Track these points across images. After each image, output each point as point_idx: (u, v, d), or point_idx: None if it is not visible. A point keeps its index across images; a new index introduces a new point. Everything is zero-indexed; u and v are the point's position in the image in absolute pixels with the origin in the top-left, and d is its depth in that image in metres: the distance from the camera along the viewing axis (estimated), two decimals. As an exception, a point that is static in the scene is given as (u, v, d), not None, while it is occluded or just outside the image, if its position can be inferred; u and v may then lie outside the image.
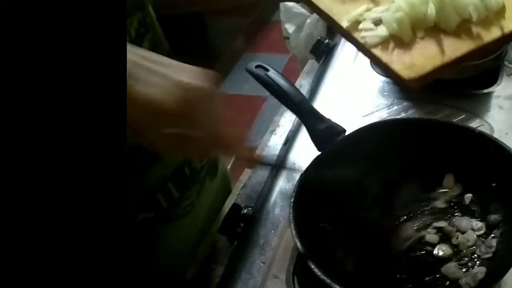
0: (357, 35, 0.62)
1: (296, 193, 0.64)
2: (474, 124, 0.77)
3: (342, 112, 0.82)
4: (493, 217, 0.64)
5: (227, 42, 2.63)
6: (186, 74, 0.47)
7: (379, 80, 0.89)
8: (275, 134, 0.86)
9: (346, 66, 0.95)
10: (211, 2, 0.86)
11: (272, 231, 0.70)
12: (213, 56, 2.57)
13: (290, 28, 1.56)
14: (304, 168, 0.67)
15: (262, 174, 0.79)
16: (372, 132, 0.70)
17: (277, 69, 0.71)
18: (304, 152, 0.74)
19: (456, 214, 0.67)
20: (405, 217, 0.67)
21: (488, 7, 0.61)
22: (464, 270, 0.61)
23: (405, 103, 0.84)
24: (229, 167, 0.90)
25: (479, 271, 0.59)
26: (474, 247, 0.62)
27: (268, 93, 0.71)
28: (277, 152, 0.82)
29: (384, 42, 0.61)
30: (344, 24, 0.64)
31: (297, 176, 0.67)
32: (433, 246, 0.64)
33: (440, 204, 0.68)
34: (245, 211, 0.72)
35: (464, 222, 0.65)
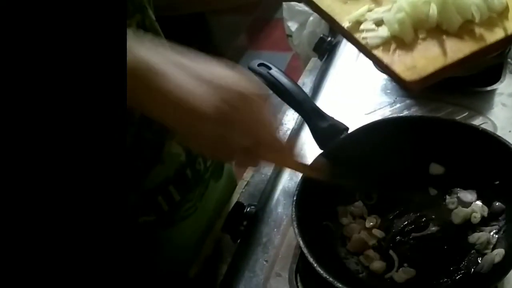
0: (358, 36, 0.62)
1: (298, 191, 0.64)
2: (477, 121, 0.77)
3: (344, 109, 0.82)
4: (497, 204, 0.64)
5: (230, 40, 2.63)
6: (228, 78, 0.46)
7: (382, 78, 0.89)
8: (278, 132, 0.86)
9: (348, 64, 0.95)
10: (213, 2, 0.86)
11: (275, 229, 0.70)
12: (215, 54, 2.56)
13: (292, 26, 1.56)
14: (306, 167, 0.67)
15: (265, 172, 0.79)
16: (375, 130, 0.70)
17: (279, 67, 0.71)
18: (307, 150, 0.74)
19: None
20: (407, 214, 0.67)
21: (491, 7, 0.60)
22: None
23: (407, 101, 0.84)
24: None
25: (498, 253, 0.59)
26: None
27: (271, 91, 0.71)
28: (280, 151, 0.82)
29: (385, 43, 0.60)
30: (345, 24, 0.63)
31: (300, 175, 0.67)
32: (435, 239, 0.64)
33: (441, 201, 0.68)
34: (248, 209, 0.72)
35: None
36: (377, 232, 0.65)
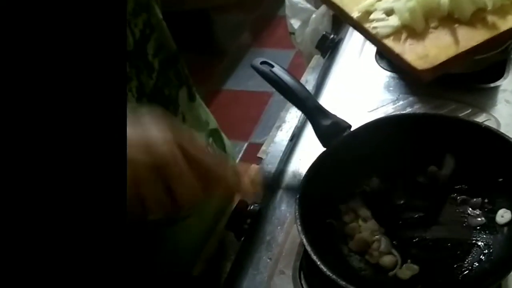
0: (368, 26, 0.61)
1: (302, 189, 0.64)
2: (481, 118, 0.77)
3: (347, 107, 0.82)
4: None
5: (233, 38, 2.63)
6: (155, 138, 0.45)
7: (385, 75, 0.89)
8: (281, 130, 0.87)
9: (351, 61, 0.95)
10: None
11: (279, 227, 0.70)
12: (218, 52, 2.57)
13: (295, 23, 1.56)
14: (310, 164, 0.67)
15: (269, 170, 0.80)
16: (378, 128, 0.70)
17: (283, 65, 0.72)
18: (310, 148, 0.75)
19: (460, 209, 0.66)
20: (410, 211, 0.67)
21: (504, -5, 0.59)
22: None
23: (410, 98, 0.83)
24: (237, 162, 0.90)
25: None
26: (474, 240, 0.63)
27: (274, 89, 0.71)
28: (283, 148, 0.83)
29: (396, 33, 0.59)
30: (355, 14, 0.63)
31: (303, 172, 0.67)
32: (439, 236, 0.64)
33: (444, 198, 0.68)
34: (252, 207, 0.72)
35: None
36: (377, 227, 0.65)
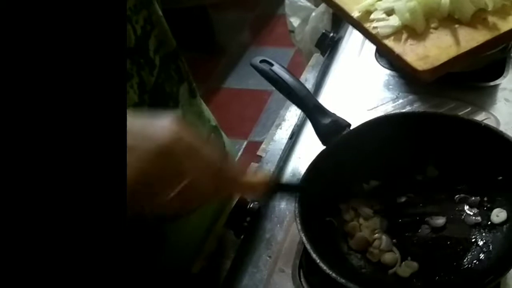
0: (368, 26, 0.61)
1: (301, 188, 0.64)
2: (480, 117, 0.77)
3: (347, 105, 0.82)
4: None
5: (232, 36, 2.63)
6: (158, 124, 0.43)
7: (384, 73, 0.89)
8: (280, 128, 0.87)
9: (351, 59, 0.95)
10: None
11: (278, 225, 0.70)
12: (218, 50, 2.57)
13: (295, 21, 1.56)
14: (309, 162, 0.67)
15: (268, 168, 0.80)
16: (377, 127, 0.70)
17: (282, 63, 0.71)
18: (310, 146, 0.75)
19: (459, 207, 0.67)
20: (409, 208, 0.67)
21: (505, -5, 0.59)
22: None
23: (410, 97, 0.83)
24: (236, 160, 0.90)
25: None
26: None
27: (274, 87, 0.71)
28: (282, 147, 0.83)
29: (396, 33, 0.59)
30: (355, 14, 0.63)
31: (302, 171, 0.67)
32: (438, 234, 0.64)
33: (443, 196, 0.68)
34: (251, 205, 0.72)
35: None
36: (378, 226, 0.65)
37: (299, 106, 0.72)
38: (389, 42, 0.59)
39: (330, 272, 0.55)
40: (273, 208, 0.72)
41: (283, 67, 0.71)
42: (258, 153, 0.85)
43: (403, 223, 0.66)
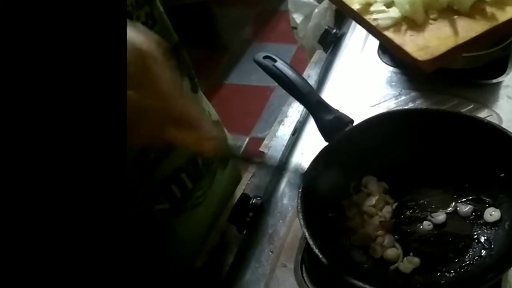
0: (369, 18, 0.61)
1: (304, 183, 0.64)
2: (483, 114, 0.77)
3: (349, 102, 0.82)
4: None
5: (235, 32, 2.62)
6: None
7: (387, 70, 0.89)
8: (283, 124, 0.87)
9: (354, 56, 0.95)
10: None
11: (281, 221, 0.70)
12: (221, 46, 2.57)
13: (298, 18, 1.55)
14: (312, 158, 0.67)
15: (271, 164, 0.80)
16: (380, 123, 0.71)
17: (285, 59, 0.72)
18: (312, 143, 0.75)
19: (460, 204, 0.67)
20: (412, 205, 0.68)
21: (503, -14, 0.59)
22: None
23: (412, 93, 0.84)
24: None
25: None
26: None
27: (276, 83, 0.71)
28: (285, 143, 0.83)
29: (396, 24, 0.60)
30: (355, 6, 0.63)
31: (305, 167, 0.67)
32: (440, 231, 0.64)
33: (446, 193, 0.68)
34: (254, 200, 0.72)
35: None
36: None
37: (301, 102, 0.72)
38: (389, 34, 0.59)
39: (332, 267, 0.55)
40: (276, 204, 0.73)
41: (286, 63, 0.71)
42: (261, 149, 0.85)
43: (405, 220, 0.67)
